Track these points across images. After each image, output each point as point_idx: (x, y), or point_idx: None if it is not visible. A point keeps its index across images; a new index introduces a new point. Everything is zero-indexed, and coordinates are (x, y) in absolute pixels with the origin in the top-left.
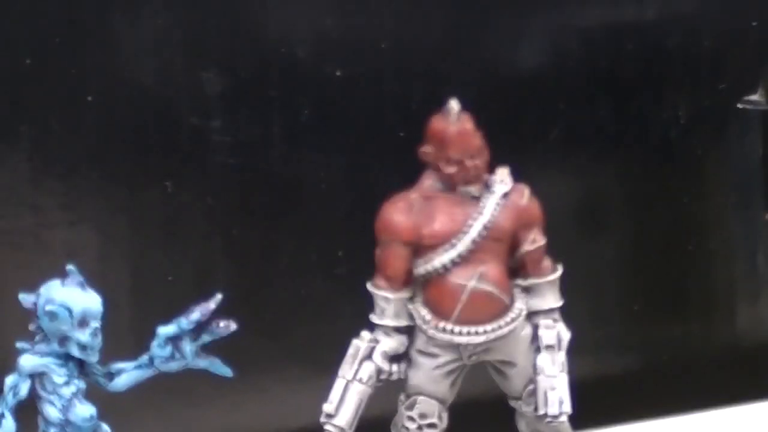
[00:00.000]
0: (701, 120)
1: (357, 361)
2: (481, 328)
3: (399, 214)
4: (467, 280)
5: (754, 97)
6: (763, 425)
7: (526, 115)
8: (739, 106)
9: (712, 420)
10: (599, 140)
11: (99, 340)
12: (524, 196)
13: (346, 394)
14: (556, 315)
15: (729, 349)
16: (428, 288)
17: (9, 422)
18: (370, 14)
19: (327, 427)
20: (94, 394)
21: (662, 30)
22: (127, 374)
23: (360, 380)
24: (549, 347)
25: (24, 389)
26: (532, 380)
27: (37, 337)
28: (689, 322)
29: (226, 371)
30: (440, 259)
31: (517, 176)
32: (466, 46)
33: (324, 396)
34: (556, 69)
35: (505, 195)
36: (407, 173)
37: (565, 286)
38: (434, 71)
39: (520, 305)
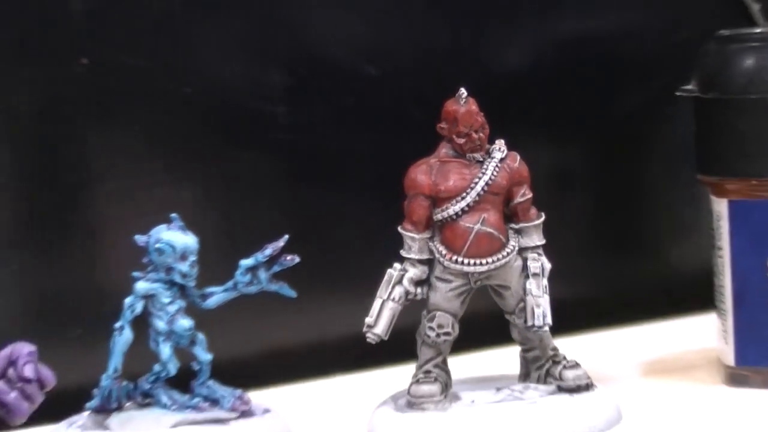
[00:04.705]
0: (647, 106)
1: (390, 285)
2: (484, 260)
3: (421, 174)
4: (474, 224)
5: (689, 87)
6: (683, 335)
7: (513, 102)
8: (677, 93)
9: (649, 331)
10: (569, 121)
11: (195, 270)
12: (516, 160)
13: (383, 311)
14: (540, 251)
15: (665, 278)
16: (444, 230)
17: (127, 332)
18: (396, 27)
19: (368, 334)
20: (191, 311)
21: (617, 39)
22: (217, 296)
23: (393, 299)
24: (535, 275)
25: (139, 307)
26: (522, 300)
27: (149, 268)
28: (636, 258)
29: (291, 293)
30: (453, 208)
31: (508, 147)
32: (468, 51)
33: (365, 312)
34: (536, 68)
35: (502, 160)
36: (423, 146)
37: (545, 230)
38: (444, 70)
39: (513, 243)
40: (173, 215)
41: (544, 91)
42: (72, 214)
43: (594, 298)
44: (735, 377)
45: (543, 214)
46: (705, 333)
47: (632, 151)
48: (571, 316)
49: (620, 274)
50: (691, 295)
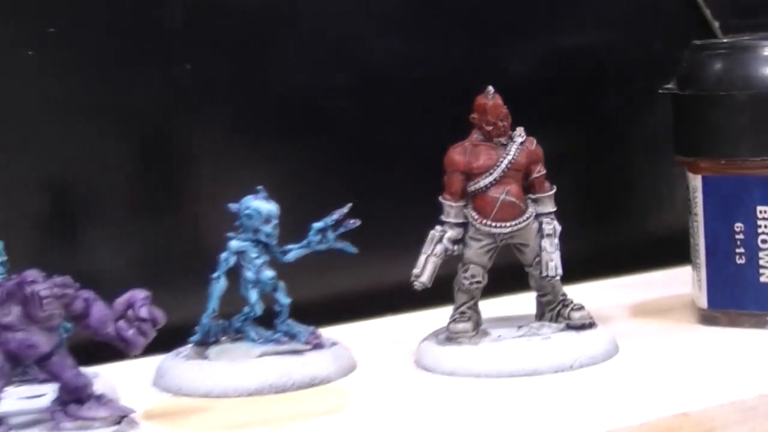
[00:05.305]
0: (630, 103)
1: (433, 243)
2: (507, 224)
3: (458, 154)
4: (500, 194)
5: (669, 86)
6: (665, 284)
7: (522, 99)
8: (660, 91)
9: (638, 280)
10: (568, 115)
11: (277, 231)
12: (533, 143)
13: (427, 264)
14: (553, 216)
15: (649, 238)
16: (476, 199)
17: (222, 281)
18: (434, 41)
19: (415, 283)
20: (273, 264)
21: (603, 49)
22: (294, 252)
23: (435, 255)
24: (549, 235)
25: (232, 261)
26: (538, 255)
27: (239, 230)
28: (625, 223)
29: (353, 250)
30: (483, 182)
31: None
32: (488, 59)
33: (413, 264)
34: (540, 72)
35: (522, 143)
36: (456, 133)
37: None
38: (469, 74)
39: (531, 209)
40: (259, 187)
41: (547, 91)
42: (179, 188)
43: (594, 255)
44: (707, 318)
45: (555, 186)
46: (682, 282)
47: (619, 138)
48: (576, 269)
49: (614, 236)
50: (670, 251)
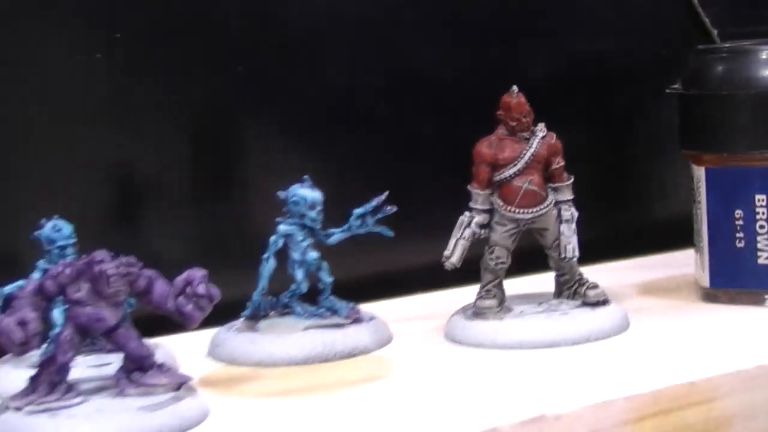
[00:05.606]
0: (638, 103)
1: (462, 228)
2: (530, 210)
3: (485, 147)
4: (523, 183)
5: (675, 86)
6: (671, 265)
7: (543, 99)
8: (667, 91)
9: (646, 262)
10: (580, 113)
11: (321, 216)
12: (553, 138)
13: (456, 246)
14: (571, 203)
15: (656, 224)
16: (501, 188)
17: (272, 261)
18: (462, 46)
19: (446, 263)
20: (317, 246)
21: (615, 53)
22: (337, 235)
23: (464, 238)
24: (567, 221)
25: (280, 243)
26: (557, 238)
27: (287, 215)
28: (634, 211)
29: (390, 233)
30: (508, 172)
31: None
32: (509, 63)
33: (443, 246)
34: (556, 75)
35: (543, 137)
36: (482, 129)
37: None
38: (492, 76)
39: (551, 198)
40: (305, 177)
41: (565, 90)
42: (232, 177)
43: (607, 239)
44: (709, 296)
45: (572, 176)
46: (686, 264)
47: (629, 133)
48: (591, 251)
49: (625, 222)
50: (676, 236)
